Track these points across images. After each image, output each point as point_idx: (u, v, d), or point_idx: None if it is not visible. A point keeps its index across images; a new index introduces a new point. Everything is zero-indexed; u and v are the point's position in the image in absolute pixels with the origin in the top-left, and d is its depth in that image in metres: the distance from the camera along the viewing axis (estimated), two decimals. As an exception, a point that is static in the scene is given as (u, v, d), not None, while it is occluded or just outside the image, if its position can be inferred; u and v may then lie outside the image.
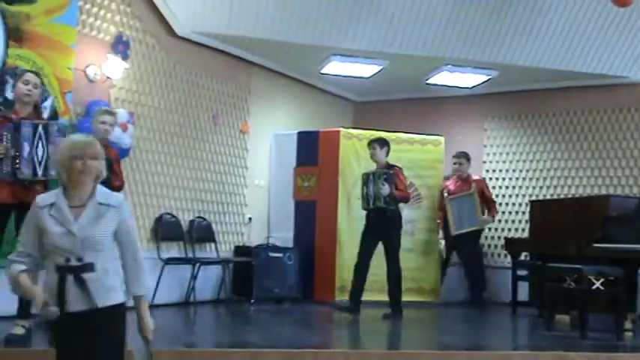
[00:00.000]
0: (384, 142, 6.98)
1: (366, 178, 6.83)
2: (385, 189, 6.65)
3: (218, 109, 7.92)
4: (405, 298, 7.73)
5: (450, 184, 8.15)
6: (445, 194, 8.07)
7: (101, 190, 2.95)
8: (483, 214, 8.08)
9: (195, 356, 4.36)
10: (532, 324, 6.84)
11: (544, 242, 7.42)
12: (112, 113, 5.50)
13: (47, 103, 5.79)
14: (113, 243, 2.92)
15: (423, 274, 8.15)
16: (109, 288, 2.85)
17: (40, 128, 4.69)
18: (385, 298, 6.93)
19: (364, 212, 6.94)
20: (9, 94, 5.47)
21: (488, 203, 8.13)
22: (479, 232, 8.21)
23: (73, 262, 2.80)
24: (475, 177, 8.19)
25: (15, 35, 5.57)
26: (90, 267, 2.81)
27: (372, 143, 6.96)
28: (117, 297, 2.88)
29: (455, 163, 8.11)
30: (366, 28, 7.64)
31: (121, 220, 2.93)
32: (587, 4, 7.54)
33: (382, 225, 6.75)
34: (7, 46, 5.51)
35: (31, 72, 5.03)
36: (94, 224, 2.85)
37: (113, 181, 5.11)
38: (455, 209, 7.96)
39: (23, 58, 5.64)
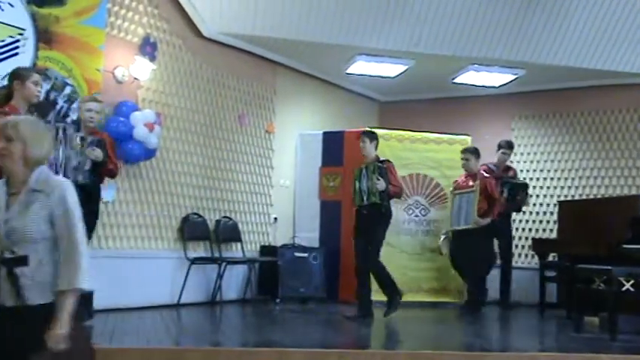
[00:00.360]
0: (373, 136, 6.69)
1: (359, 173, 6.56)
2: (381, 184, 6.38)
3: (244, 109, 7.96)
4: (429, 298, 7.72)
5: (460, 180, 7.85)
6: (451, 189, 7.83)
7: (39, 175, 2.67)
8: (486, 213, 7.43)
9: (221, 355, 4.38)
10: (560, 326, 6.76)
11: (573, 243, 7.33)
12: (97, 100, 5.48)
13: (76, 104, 5.87)
14: (52, 233, 2.63)
15: (448, 274, 8.09)
16: (44, 284, 2.59)
17: (60, 131, 4.96)
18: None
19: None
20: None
21: (490, 202, 7.50)
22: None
23: (7, 255, 2.57)
24: (485, 174, 7.71)
25: (44, 37, 5.66)
26: (23, 260, 2.57)
27: (362, 136, 6.67)
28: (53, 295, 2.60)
29: (462, 159, 7.69)
30: (391, 28, 7.62)
31: (53, 206, 2.62)
32: (616, 2, 7.44)
33: (373, 221, 6.43)
34: (37, 48, 5.60)
35: (38, 72, 5.10)
36: (23, 214, 2.61)
37: (107, 165, 5.39)
38: (455, 205, 7.60)
39: (52, 59, 5.73)
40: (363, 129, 7.90)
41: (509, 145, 8.10)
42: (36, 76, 4.72)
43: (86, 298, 5.34)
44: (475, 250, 7.30)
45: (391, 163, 6.77)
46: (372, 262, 6.40)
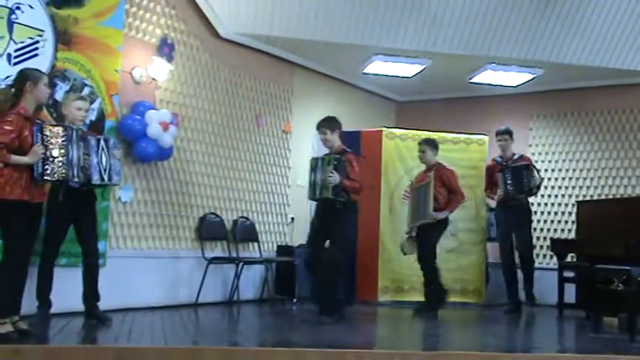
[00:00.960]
0: (334, 125, 6.19)
1: (314, 164, 6.08)
2: (334, 177, 5.86)
3: (261, 109, 7.98)
4: (449, 298, 7.67)
5: (421, 174, 7.35)
6: (409, 183, 7.50)
7: None
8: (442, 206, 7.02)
9: (239, 355, 4.39)
10: (579, 326, 6.71)
11: (591, 243, 7.28)
12: (84, 98, 5.46)
13: (95, 105, 5.92)
14: None
15: (466, 274, 8.07)
16: None
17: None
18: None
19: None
20: (58, 97, 5.62)
21: (450, 194, 7.07)
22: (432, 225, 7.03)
23: None
24: (447, 166, 7.17)
25: (63, 38, 5.71)
26: None
27: (321, 128, 6.19)
28: None
29: (419, 152, 7.24)
30: (408, 28, 7.61)
31: None
32: (634, 0, 7.37)
33: (329, 217, 5.99)
34: (56, 49, 5.65)
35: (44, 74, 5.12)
36: None
37: None
38: (414, 200, 7.15)
39: (71, 60, 5.78)
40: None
41: (500, 132, 7.61)
42: (46, 78, 4.78)
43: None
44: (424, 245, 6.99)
45: (356, 155, 6.31)
46: (333, 259, 5.95)
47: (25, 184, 4.53)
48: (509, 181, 7.30)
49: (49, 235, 5.22)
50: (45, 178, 4.60)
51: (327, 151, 6.35)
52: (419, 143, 7.28)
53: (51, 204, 5.15)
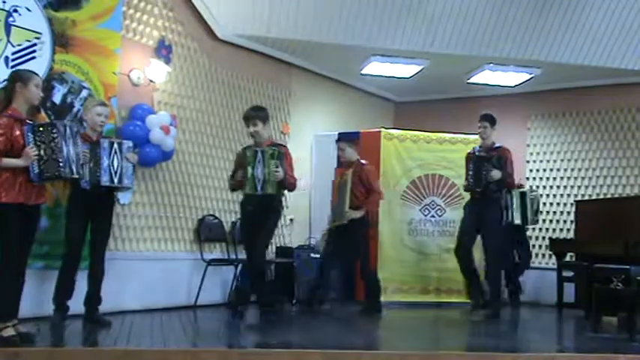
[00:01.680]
0: (267, 115, 5.91)
1: (253, 157, 5.65)
2: (280, 172, 5.65)
3: (259, 111, 7.97)
4: (447, 299, 7.68)
5: (339, 172, 7.07)
6: (334, 179, 7.28)
7: None
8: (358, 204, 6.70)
9: (238, 356, 4.39)
10: (578, 326, 6.71)
11: (590, 243, 7.30)
12: (105, 104, 5.53)
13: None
14: None
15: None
16: None
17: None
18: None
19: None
20: (56, 99, 5.61)
21: (368, 193, 6.77)
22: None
23: None
24: (367, 164, 6.88)
25: (61, 41, 5.71)
26: None
27: (253, 119, 5.79)
28: None
29: (338, 150, 7.01)
30: (406, 28, 7.61)
31: None
32: (632, 0, 7.38)
33: (264, 215, 5.75)
34: (53, 51, 5.65)
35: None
36: None
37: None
38: (335, 199, 6.83)
39: (69, 63, 5.77)
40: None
41: (479, 118, 6.99)
42: (37, 79, 4.70)
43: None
44: (348, 246, 6.74)
45: (287, 148, 6.12)
46: (261, 257, 5.85)
47: (21, 186, 4.49)
48: (470, 172, 6.75)
49: (68, 239, 5.27)
50: (42, 178, 4.56)
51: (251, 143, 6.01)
52: (336, 141, 7.09)
53: (69, 207, 5.30)
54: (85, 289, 5.40)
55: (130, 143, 5.63)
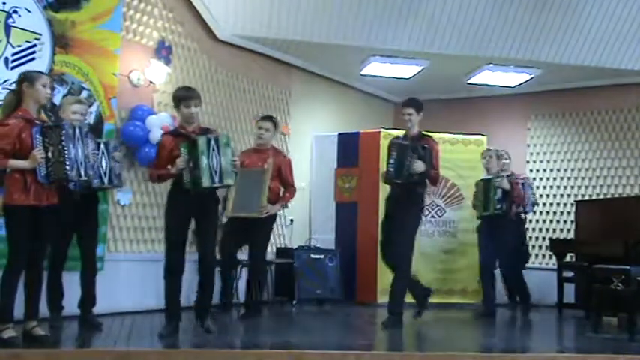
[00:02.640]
0: (198, 95, 5.21)
1: (207, 145, 4.92)
2: (238, 162, 5.21)
3: (259, 111, 7.97)
4: (449, 299, 7.68)
5: (246, 157, 6.34)
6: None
7: None
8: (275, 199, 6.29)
9: (239, 357, 4.40)
10: (578, 326, 6.71)
11: (590, 243, 7.30)
12: (82, 102, 5.38)
13: (93, 109, 5.92)
14: None
15: (466, 275, 8.07)
16: None
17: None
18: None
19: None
20: (56, 100, 5.61)
21: (284, 186, 6.38)
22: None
23: None
24: (284, 154, 6.53)
25: (61, 42, 5.71)
26: None
27: (196, 99, 5.11)
28: None
29: (260, 130, 6.35)
30: (405, 29, 7.61)
31: None
32: (631, 0, 7.38)
33: (211, 208, 5.24)
34: (53, 52, 5.65)
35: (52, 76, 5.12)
36: None
37: None
38: (238, 186, 5.81)
39: (69, 64, 5.78)
40: (379, 129, 7.88)
41: (403, 105, 6.25)
42: (45, 79, 4.65)
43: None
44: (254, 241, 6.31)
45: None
46: (213, 256, 5.43)
47: (32, 188, 4.46)
48: (391, 161, 5.96)
49: (53, 240, 5.20)
50: (49, 180, 4.50)
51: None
52: (261, 119, 6.45)
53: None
54: (79, 291, 5.36)
55: (115, 142, 5.57)
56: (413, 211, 6.04)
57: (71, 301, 5.35)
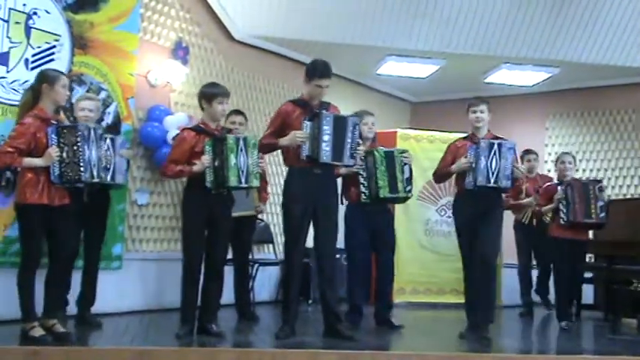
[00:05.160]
0: (229, 93, 5.14)
1: (235, 144, 4.81)
2: (264, 164, 5.16)
3: (275, 111, 7.98)
4: (459, 300, 7.60)
5: None
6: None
7: None
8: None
9: (254, 356, 4.40)
10: (597, 327, 6.65)
11: (609, 243, 7.21)
12: (91, 98, 5.35)
13: (110, 109, 5.96)
14: None
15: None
16: None
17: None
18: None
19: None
20: (74, 100, 5.65)
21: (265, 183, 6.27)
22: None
23: None
24: None
25: (80, 43, 5.76)
26: None
27: (225, 96, 5.04)
28: None
29: (232, 123, 6.07)
30: (422, 28, 7.59)
31: None
32: (652, -2, 7.32)
33: (225, 209, 5.07)
34: (72, 53, 5.70)
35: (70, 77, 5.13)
36: None
37: None
38: None
39: (87, 65, 5.83)
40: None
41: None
42: (65, 79, 4.64)
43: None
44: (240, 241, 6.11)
45: None
46: (223, 259, 5.19)
47: (45, 188, 4.47)
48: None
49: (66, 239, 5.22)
50: (62, 180, 4.51)
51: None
52: (233, 113, 6.10)
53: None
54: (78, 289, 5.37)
55: (123, 138, 5.55)
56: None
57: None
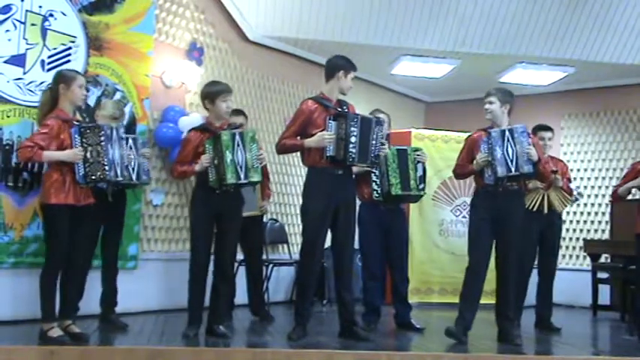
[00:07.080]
0: (232, 89, 5.09)
1: (230, 139, 4.74)
2: (264, 156, 5.04)
3: (290, 112, 8.00)
4: (480, 300, 7.57)
5: None
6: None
7: None
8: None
9: (269, 356, 4.41)
10: (614, 328, 6.60)
11: (626, 244, 7.16)
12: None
13: (126, 110, 6.00)
14: None
15: (489, 275, 7.97)
16: None
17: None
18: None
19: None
20: (90, 102, 5.70)
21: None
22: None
23: None
24: None
25: (95, 44, 5.80)
26: None
27: (229, 93, 4.98)
28: None
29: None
30: (436, 27, 7.57)
31: None
32: (669, -4, 7.26)
33: (238, 208, 5.04)
34: (88, 55, 5.74)
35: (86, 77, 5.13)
36: None
37: None
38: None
39: (103, 66, 5.87)
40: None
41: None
42: (81, 79, 4.64)
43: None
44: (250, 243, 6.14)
45: None
46: (232, 260, 5.18)
47: (70, 188, 4.48)
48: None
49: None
50: (87, 180, 4.51)
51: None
52: (234, 114, 5.89)
53: None
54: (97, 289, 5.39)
55: (143, 138, 5.58)
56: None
57: (89, 301, 5.29)
